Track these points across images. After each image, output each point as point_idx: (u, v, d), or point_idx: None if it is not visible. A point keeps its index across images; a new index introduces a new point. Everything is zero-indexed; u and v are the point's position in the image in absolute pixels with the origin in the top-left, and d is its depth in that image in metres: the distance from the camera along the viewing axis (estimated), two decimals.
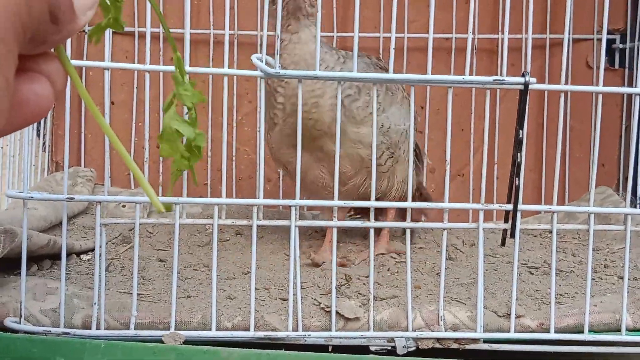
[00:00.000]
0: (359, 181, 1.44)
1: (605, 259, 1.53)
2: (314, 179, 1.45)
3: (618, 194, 1.92)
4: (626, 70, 1.98)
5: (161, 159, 1.97)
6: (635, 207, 1.97)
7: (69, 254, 1.40)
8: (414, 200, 1.57)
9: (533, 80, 1.15)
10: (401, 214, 1.59)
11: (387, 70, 1.40)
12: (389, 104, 1.44)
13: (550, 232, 1.19)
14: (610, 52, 1.99)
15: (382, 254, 1.50)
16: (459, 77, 1.16)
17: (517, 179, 1.18)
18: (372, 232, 1.18)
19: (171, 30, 1.91)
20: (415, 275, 1.39)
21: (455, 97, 1.97)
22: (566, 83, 1.19)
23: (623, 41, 1.98)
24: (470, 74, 1.17)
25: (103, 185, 1.90)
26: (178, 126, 0.68)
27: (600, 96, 1.19)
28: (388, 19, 1.98)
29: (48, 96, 0.43)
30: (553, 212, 1.19)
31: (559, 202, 2.03)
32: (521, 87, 1.15)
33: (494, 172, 1.99)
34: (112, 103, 1.95)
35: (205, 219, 1.19)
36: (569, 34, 1.31)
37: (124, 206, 1.78)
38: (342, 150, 1.34)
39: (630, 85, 1.96)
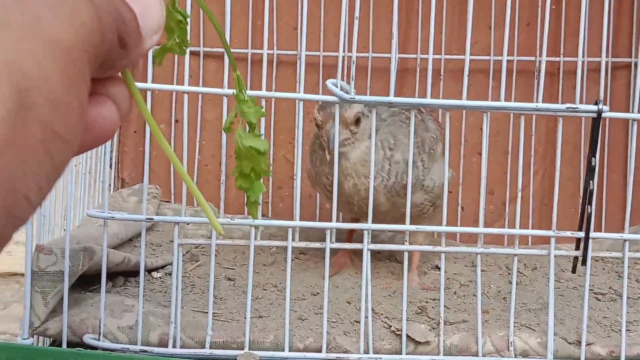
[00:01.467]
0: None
1: None
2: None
3: None
4: None
5: (224, 177, 2.00)
6: None
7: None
8: None
9: (606, 108, 1.16)
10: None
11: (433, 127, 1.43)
12: (432, 163, 1.42)
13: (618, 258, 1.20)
14: None
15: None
16: (532, 105, 1.17)
17: (589, 206, 1.18)
18: (443, 256, 1.20)
19: (234, 50, 1.95)
20: (482, 299, 1.39)
21: (515, 119, 1.99)
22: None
23: None
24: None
25: (168, 202, 1.94)
26: (252, 142, 0.70)
27: None
28: (449, 40, 1.99)
29: (114, 119, 0.43)
30: (625, 241, 1.19)
31: (617, 227, 2.02)
32: (594, 115, 1.16)
33: (559, 154, 1.98)
34: (176, 121, 1.99)
35: (279, 241, 1.21)
36: (636, 57, 1.32)
37: (188, 224, 1.80)
38: (392, 215, 1.39)
39: None
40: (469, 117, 2.01)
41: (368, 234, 1.17)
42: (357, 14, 1.16)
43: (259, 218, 1.22)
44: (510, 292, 1.42)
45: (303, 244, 1.19)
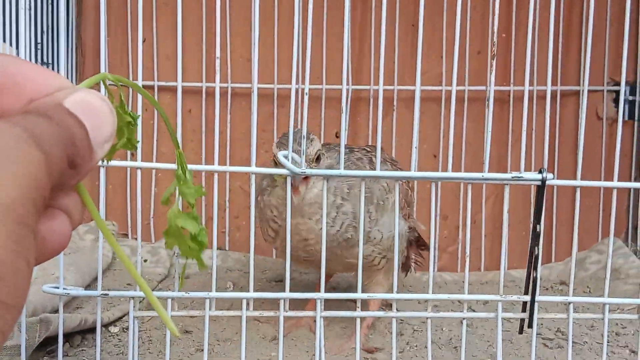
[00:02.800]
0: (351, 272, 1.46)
1: (617, 324, 1.57)
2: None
3: (627, 245, 1.96)
4: (636, 122, 2.02)
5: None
6: None
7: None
8: (410, 247, 1.57)
9: (550, 176, 1.19)
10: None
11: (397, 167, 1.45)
12: (380, 215, 1.41)
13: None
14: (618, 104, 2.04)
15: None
16: (479, 175, 1.20)
17: (534, 271, 1.22)
18: (394, 322, 1.23)
19: (188, 84, 1.95)
20: (433, 349, 1.42)
21: (468, 146, 2.02)
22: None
23: (632, 93, 2.01)
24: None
25: (125, 236, 1.95)
26: (183, 223, 0.71)
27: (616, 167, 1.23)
28: (402, 70, 2.01)
29: (66, 232, 0.42)
30: (569, 303, 1.23)
31: (567, 251, 2.06)
32: (538, 183, 1.19)
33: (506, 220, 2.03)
34: (132, 154, 1.99)
35: (234, 311, 1.22)
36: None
37: (145, 260, 1.82)
38: (337, 265, 1.44)
39: None
40: (422, 145, 2.04)
41: (320, 302, 1.20)
42: (307, 64, 1.18)
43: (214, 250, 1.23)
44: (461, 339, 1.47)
45: (257, 313, 1.21)
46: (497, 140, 2.04)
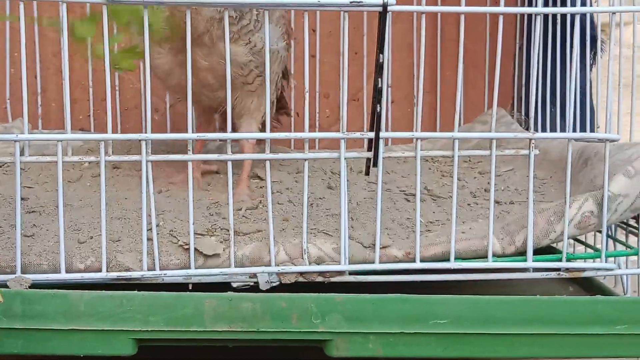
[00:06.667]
0: (223, 95, 1.29)
1: (488, 183, 1.51)
2: (178, 82, 1.40)
3: (512, 115, 1.89)
4: None
5: (39, 91, 1.88)
6: (527, 128, 1.95)
7: None
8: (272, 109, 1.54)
9: (392, 1, 1.10)
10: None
11: None
12: (264, 22, 1.31)
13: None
14: None
15: (243, 201, 1.37)
16: (314, 1, 1.09)
17: (378, 105, 1.13)
18: (230, 164, 1.13)
19: None
20: (288, 207, 1.34)
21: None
22: None
23: None
24: None
25: None
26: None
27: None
28: None
29: None
30: (417, 139, 1.16)
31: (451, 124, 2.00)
32: (380, 9, 1.10)
33: (389, 96, 1.95)
34: None
35: (91, 157, 1.10)
36: None
37: None
38: (207, 63, 1.35)
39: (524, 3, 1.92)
40: (299, 17, 1.93)
41: (146, 144, 1.10)
42: None
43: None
44: (322, 198, 1.40)
45: (117, 157, 1.09)
46: None
